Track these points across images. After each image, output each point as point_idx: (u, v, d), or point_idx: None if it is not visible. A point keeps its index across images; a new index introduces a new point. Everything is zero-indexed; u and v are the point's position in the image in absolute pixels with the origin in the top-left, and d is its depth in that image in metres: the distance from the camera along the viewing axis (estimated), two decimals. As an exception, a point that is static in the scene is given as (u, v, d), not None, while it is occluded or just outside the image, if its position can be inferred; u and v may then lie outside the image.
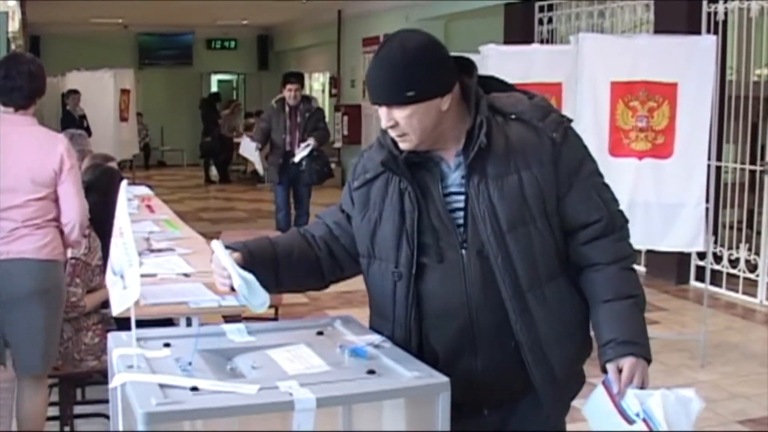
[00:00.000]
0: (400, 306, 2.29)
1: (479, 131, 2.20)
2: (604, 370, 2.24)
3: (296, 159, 8.94)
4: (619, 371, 2.20)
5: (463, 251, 2.23)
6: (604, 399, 2.22)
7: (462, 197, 2.25)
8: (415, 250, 2.24)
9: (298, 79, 9.45)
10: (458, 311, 2.24)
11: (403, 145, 2.24)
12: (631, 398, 2.18)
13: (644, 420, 2.15)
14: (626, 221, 2.35)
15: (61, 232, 3.99)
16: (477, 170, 2.21)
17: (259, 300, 2.21)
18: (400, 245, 2.26)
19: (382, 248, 2.31)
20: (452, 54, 2.24)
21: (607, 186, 2.35)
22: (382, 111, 2.20)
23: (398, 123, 2.19)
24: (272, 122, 9.20)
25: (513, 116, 2.26)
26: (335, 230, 2.45)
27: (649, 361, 2.24)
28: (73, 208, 3.94)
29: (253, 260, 2.29)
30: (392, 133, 2.23)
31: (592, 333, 2.35)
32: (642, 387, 2.20)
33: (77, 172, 4.03)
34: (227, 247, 2.30)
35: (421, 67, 2.15)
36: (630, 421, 2.17)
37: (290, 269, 2.39)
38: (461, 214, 2.24)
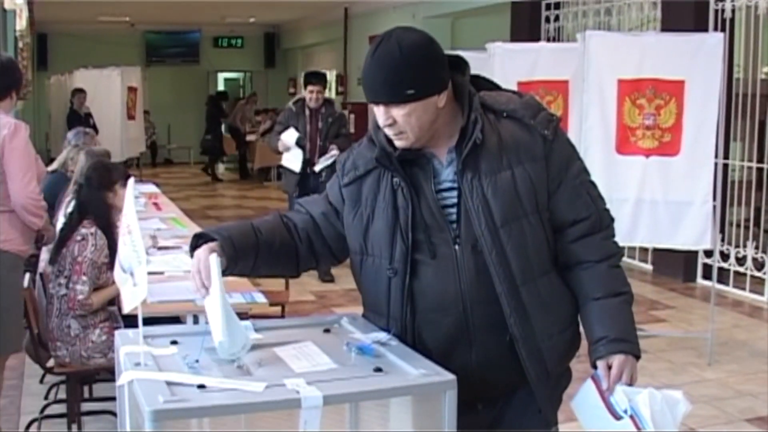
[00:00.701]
0: (396, 302, 2.29)
1: (473, 127, 2.22)
2: (594, 366, 2.27)
3: (317, 168, 8.07)
4: (609, 368, 2.24)
5: (456, 247, 2.24)
6: (593, 394, 2.26)
7: (454, 193, 2.26)
8: (410, 246, 2.25)
9: (321, 79, 8.44)
10: (452, 306, 2.25)
11: (399, 143, 2.25)
12: (619, 394, 2.21)
13: (631, 417, 2.18)
14: (612, 220, 2.39)
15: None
16: (470, 166, 2.23)
17: (236, 348, 2.14)
18: (394, 241, 2.27)
19: (375, 245, 2.31)
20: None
21: (594, 184, 2.38)
22: (380, 110, 2.21)
23: (396, 121, 2.20)
24: (290, 126, 8.22)
25: (505, 114, 2.29)
26: (320, 221, 2.43)
27: (638, 357, 2.28)
28: (13, 189, 4.17)
29: (236, 253, 2.27)
30: (389, 132, 2.24)
31: (580, 329, 2.39)
32: (630, 383, 2.24)
33: (22, 156, 4.19)
34: (205, 238, 2.27)
35: (420, 65, 2.16)
36: (617, 417, 2.21)
37: (269, 258, 2.37)
38: (454, 210, 2.26)
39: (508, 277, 2.21)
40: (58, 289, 4.20)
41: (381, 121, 2.22)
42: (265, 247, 2.35)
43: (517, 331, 2.23)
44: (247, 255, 2.32)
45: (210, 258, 2.19)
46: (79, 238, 4.21)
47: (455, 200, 2.25)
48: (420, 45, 2.18)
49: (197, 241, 2.29)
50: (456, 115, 2.27)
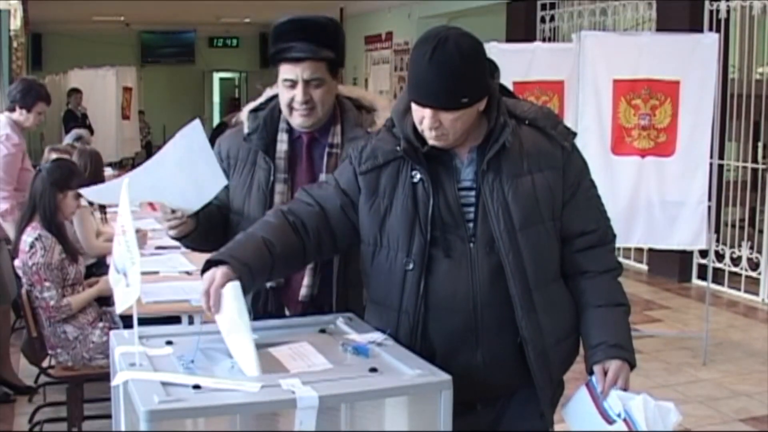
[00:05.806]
0: (410, 296, 2.28)
1: (502, 130, 2.24)
2: (590, 372, 2.31)
3: None
4: (605, 373, 2.27)
5: (471, 245, 2.25)
6: (587, 400, 2.29)
7: (472, 193, 2.27)
8: (429, 240, 2.25)
9: None
10: (463, 304, 2.25)
11: (436, 143, 2.24)
12: (613, 399, 2.24)
13: (625, 420, 2.20)
14: (615, 236, 2.44)
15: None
16: (493, 168, 2.25)
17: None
18: (413, 235, 2.26)
19: (391, 237, 2.30)
20: None
21: (601, 199, 2.43)
22: (426, 112, 2.19)
23: (442, 124, 2.19)
24: None
25: (527, 121, 2.31)
26: (334, 214, 2.34)
27: (633, 367, 2.31)
28: None
29: (253, 282, 2.20)
30: (431, 133, 2.21)
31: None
32: (624, 390, 2.27)
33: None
34: (215, 261, 2.16)
35: (475, 74, 2.17)
36: (610, 422, 2.23)
37: (279, 272, 2.35)
38: (471, 209, 2.27)
39: (523, 280, 2.23)
40: (37, 301, 4.17)
41: (426, 123, 2.20)
42: (278, 263, 2.26)
43: (527, 334, 2.25)
44: (262, 278, 2.24)
45: (227, 287, 2.09)
46: (27, 248, 4.17)
47: (473, 200, 2.27)
48: (476, 52, 2.18)
49: (209, 266, 2.17)
50: (483, 117, 2.28)
